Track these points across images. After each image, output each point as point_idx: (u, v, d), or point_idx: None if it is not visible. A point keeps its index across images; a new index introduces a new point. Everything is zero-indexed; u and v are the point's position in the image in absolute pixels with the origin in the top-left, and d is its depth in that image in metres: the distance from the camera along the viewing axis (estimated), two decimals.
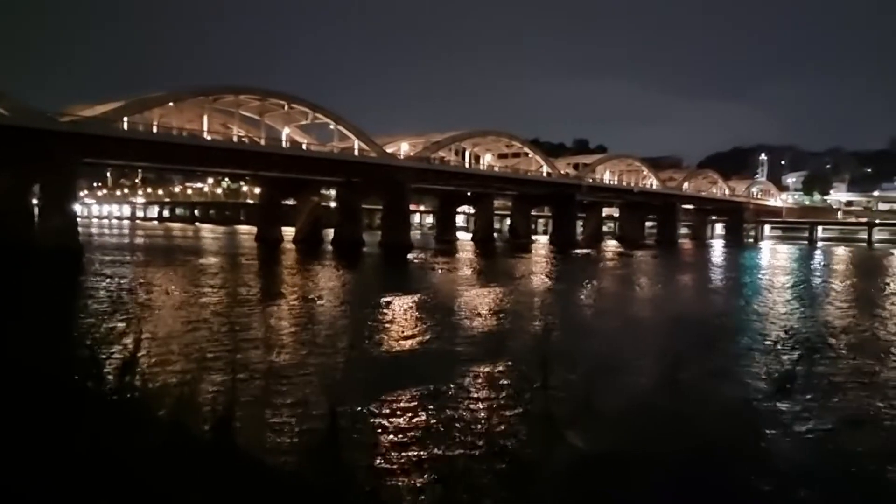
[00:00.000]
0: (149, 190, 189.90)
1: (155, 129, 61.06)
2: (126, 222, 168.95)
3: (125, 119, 57.82)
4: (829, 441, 12.58)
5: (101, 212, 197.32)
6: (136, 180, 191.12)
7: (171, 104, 62.88)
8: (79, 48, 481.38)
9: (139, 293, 32.87)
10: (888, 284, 47.92)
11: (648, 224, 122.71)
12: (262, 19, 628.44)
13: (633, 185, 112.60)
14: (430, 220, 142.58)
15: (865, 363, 19.72)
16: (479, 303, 31.84)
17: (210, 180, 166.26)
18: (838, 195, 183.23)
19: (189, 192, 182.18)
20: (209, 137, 65.09)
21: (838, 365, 19.23)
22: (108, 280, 37.58)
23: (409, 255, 66.16)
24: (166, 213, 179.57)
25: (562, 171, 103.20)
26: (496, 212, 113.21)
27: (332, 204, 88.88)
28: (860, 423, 13.79)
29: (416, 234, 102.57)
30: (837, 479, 10.70)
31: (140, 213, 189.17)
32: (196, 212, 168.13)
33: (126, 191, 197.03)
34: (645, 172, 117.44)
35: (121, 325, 22.51)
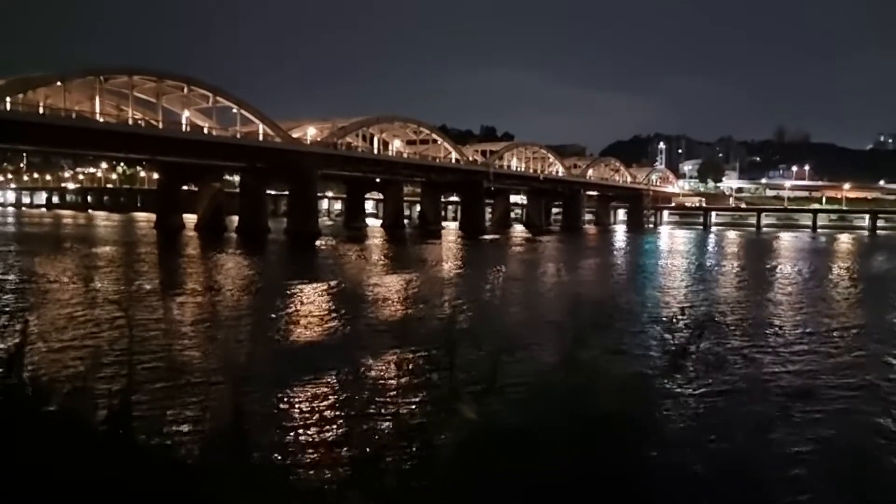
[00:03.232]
0: (35, 175, 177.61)
1: (42, 111, 57.28)
2: (10, 209, 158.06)
3: (7, 99, 53.96)
4: (714, 411, 13.58)
5: None
6: (21, 164, 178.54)
7: (58, 84, 59.10)
8: None
9: (26, 286, 30.91)
10: (773, 266, 51.22)
11: (554, 210, 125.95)
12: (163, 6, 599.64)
13: (539, 172, 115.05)
14: (338, 206, 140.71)
15: (749, 339, 21.20)
16: (388, 290, 31.79)
17: (104, 165, 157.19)
18: (730, 182, 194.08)
19: (80, 177, 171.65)
20: (101, 120, 61.66)
21: (726, 341, 20.46)
22: None
23: (317, 243, 65.22)
24: (56, 200, 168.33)
25: (470, 158, 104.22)
26: (406, 198, 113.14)
27: (236, 190, 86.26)
28: (742, 394, 14.90)
29: (324, 221, 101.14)
30: (718, 444, 11.62)
31: (26, 200, 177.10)
32: (89, 198, 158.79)
33: (9, 176, 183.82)
34: (551, 160, 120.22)
35: (3, 319, 21.10)
